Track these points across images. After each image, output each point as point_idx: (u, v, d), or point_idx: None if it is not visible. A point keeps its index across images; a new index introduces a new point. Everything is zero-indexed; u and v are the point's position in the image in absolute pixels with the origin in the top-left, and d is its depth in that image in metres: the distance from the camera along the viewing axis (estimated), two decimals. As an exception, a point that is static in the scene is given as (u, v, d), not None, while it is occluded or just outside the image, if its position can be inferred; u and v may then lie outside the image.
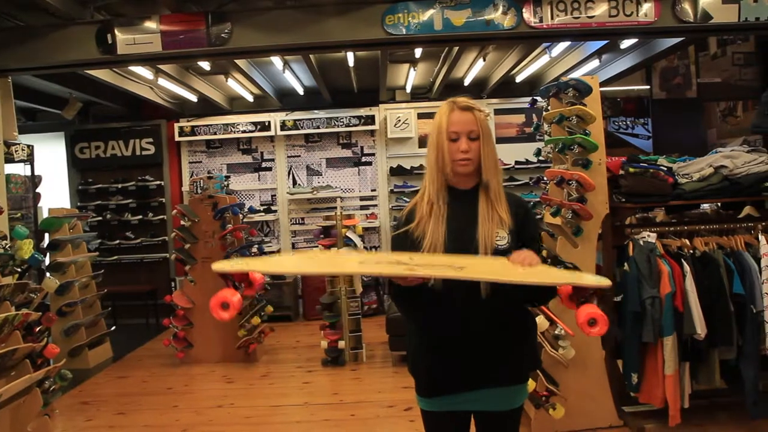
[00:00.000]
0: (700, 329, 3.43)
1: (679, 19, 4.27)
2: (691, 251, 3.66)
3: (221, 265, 1.67)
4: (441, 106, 1.95)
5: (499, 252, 1.83)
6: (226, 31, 4.35)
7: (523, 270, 1.69)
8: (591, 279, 1.68)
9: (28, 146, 5.73)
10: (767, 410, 3.56)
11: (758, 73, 7.08)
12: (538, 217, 3.98)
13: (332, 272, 1.54)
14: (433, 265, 1.73)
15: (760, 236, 3.61)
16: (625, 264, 3.65)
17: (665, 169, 3.85)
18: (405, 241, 1.92)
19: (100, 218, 8.11)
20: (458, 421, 1.99)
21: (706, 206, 4.48)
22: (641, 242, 3.64)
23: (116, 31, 4.41)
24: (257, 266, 1.73)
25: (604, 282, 1.66)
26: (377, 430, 4.10)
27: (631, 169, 3.75)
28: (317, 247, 5.80)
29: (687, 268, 3.54)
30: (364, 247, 7.81)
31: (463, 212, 1.90)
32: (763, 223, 3.73)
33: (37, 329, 3.84)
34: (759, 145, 4.62)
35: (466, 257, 1.79)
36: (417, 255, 1.82)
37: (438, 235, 1.87)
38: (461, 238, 1.86)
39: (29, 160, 5.87)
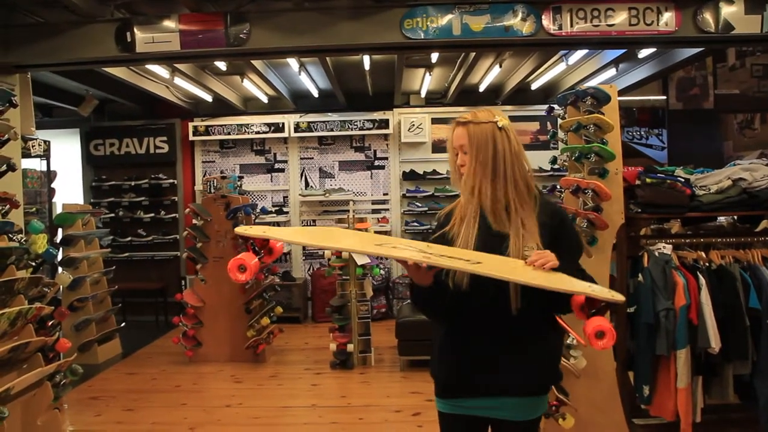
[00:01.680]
0: (715, 343, 3.39)
1: (701, 29, 4.24)
2: (707, 264, 3.63)
3: (243, 229, 1.75)
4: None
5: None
6: (244, 31, 4.37)
7: (540, 273, 1.69)
8: (606, 292, 1.67)
9: (45, 142, 5.77)
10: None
11: (777, 86, 7.03)
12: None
13: (349, 249, 1.58)
14: (450, 257, 1.73)
15: (777, 251, 3.57)
16: (639, 275, 3.62)
17: (683, 180, 3.82)
18: (440, 241, 1.94)
19: (112, 215, 8.15)
20: (474, 427, 1.97)
21: (722, 219, 4.43)
22: (656, 253, 3.61)
23: (135, 30, 4.44)
24: (278, 233, 1.78)
25: (618, 297, 1.65)
26: (385, 435, 4.09)
27: (648, 180, 3.71)
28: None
29: (702, 280, 3.50)
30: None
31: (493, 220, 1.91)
32: (781, 238, 3.70)
33: (50, 323, 3.86)
34: (777, 158, 4.58)
35: (485, 255, 1.79)
36: (435, 245, 1.83)
37: (468, 240, 1.88)
38: (488, 247, 1.85)
39: (45, 155, 5.92)
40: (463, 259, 1.71)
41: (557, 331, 2.00)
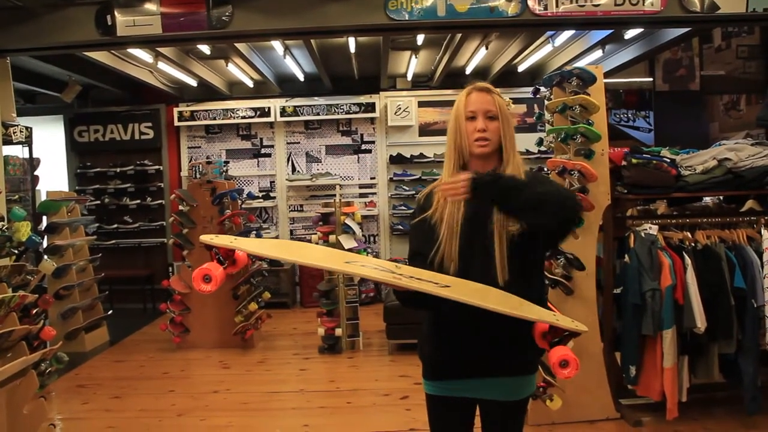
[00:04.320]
0: (700, 323, 3.41)
1: (686, 9, 4.22)
2: (693, 244, 3.64)
3: (208, 238, 1.69)
4: (460, 93, 1.96)
5: (513, 237, 1.79)
6: (227, 13, 4.30)
7: (507, 301, 1.70)
8: (568, 322, 1.68)
9: (27, 128, 5.68)
10: (764, 406, 3.56)
11: (762, 67, 7.04)
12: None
13: (317, 265, 1.54)
14: (419, 278, 1.71)
15: (762, 230, 3.59)
16: (626, 256, 3.63)
17: (668, 160, 3.82)
18: (423, 228, 1.92)
19: (98, 202, 8.07)
20: (462, 408, 1.97)
21: (708, 199, 4.46)
22: (643, 234, 3.62)
23: (116, 13, 4.35)
24: (245, 245, 1.71)
25: (581, 327, 1.67)
26: (373, 418, 4.09)
27: (634, 160, 3.71)
28: (316, 234, 5.76)
29: (688, 260, 3.52)
30: (363, 235, 7.79)
31: None
32: (766, 217, 3.72)
33: (34, 311, 3.82)
34: (763, 138, 4.59)
35: (455, 279, 1.78)
36: (404, 267, 1.81)
37: (454, 221, 1.85)
38: (475, 225, 1.84)
39: (27, 142, 5.83)
40: (432, 282, 1.70)
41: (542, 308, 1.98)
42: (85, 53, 5.43)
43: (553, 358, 1.63)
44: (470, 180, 1.70)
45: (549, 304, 1.96)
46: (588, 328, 3.47)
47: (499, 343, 1.84)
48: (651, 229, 3.63)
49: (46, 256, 5.48)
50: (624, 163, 3.76)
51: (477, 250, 1.82)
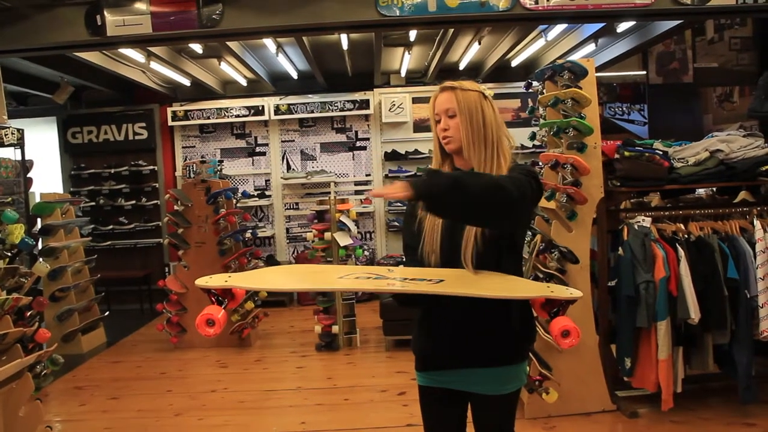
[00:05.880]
0: (694, 314, 3.42)
1: (677, 1, 4.22)
2: (686, 236, 3.65)
3: (203, 281, 1.71)
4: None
5: (490, 235, 1.80)
6: (217, 12, 4.29)
7: (500, 284, 1.73)
8: (563, 291, 1.70)
9: (18, 130, 5.66)
10: (758, 395, 3.58)
11: (755, 58, 7.06)
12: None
13: (313, 288, 1.56)
14: (412, 279, 1.75)
15: (755, 221, 3.59)
16: (620, 248, 3.64)
17: (661, 153, 3.82)
18: (412, 222, 1.95)
19: (93, 203, 8.05)
20: (453, 400, 1.98)
21: (701, 191, 4.46)
22: (636, 227, 3.63)
23: (105, 12, 4.34)
24: (238, 282, 1.73)
25: (576, 294, 1.68)
26: (370, 415, 4.09)
27: (627, 153, 3.72)
28: (311, 231, 5.76)
29: (682, 252, 3.53)
30: (358, 232, 7.79)
31: None
32: (758, 208, 3.72)
33: (28, 314, 3.81)
34: (755, 130, 4.59)
35: (448, 271, 1.80)
36: (397, 269, 1.85)
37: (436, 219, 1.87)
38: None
39: (19, 144, 5.81)
40: (426, 279, 1.73)
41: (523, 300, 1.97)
42: (76, 54, 5.41)
43: (554, 329, 1.64)
44: (408, 182, 1.60)
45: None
46: (583, 320, 3.48)
47: (485, 332, 1.86)
48: (644, 221, 3.64)
49: (40, 259, 5.47)
50: (617, 156, 3.77)
51: (457, 244, 1.83)
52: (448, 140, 1.91)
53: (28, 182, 6.12)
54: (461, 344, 1.88)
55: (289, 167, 8.23)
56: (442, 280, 1.72)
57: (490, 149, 1.88)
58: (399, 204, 7.97)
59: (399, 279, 1.75)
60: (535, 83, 4.02)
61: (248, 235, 6.31)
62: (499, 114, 1.96)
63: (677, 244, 3.57)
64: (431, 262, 1.87)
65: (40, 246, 5.66)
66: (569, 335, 1.63)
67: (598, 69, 6.17)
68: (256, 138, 8.26)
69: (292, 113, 8.02)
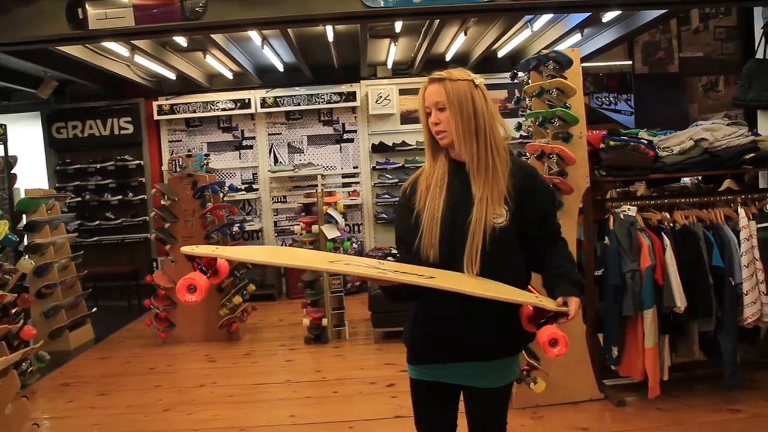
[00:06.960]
0: (680, 302, 3.45)
1: (661, -9, 4.23)
2: (671, 224, 3.67)
3: (189, 249, 1.67)
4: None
5: (497, 231, 1.80)
6: (200, 4, 4.25)
7: (491, 285, 1.74)
8: (551, 303, 1.73)
9: (1, 126, 5.61)
10: (743, 381, 3.61)
11: (740, 48, 7.07)
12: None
13: (302, 266, 1.54)
14: (403, 272, 1.73)
15: (739, 209, 3.62)
16: (606, 238, 3.65)
17: (646, 142, 3.84)
18: (407, 216, 1.92)
19: (79, 199, 7.98)
20: (445, 394, 1.98)
21: (686, 180, 4.49)
22: (622, 216, 3.64)
23: (87, 6, 4.28)
24: (226, 253, 1.70)
25: (564, 309, 1.72)
26: (360, 407, 4.10)
27: (612, 143, 3.72)
28: (299, 224, 5.74)
29: (667, 241, 3.55)
30: (347, 225, 7.78)
31: (460, 185, 1.87)
32: (743, 197, 3.75)
33: (13, 311, 3.79)
34: (740, 119, 4.61)
35: (439, 271, 1.80)
36: (387, 263, 1.83)
37: (435, 208, 1.86)
38: (457, 213, 1.84)
39: (2, 140, 5.76)
40: (417, 274, 1.72)
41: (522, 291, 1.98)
42: (59, 48, 5.34)
43: (542, 338, 1.66)
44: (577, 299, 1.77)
45: (530, 287, 1.95)
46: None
47: (479, 326, 1.85)
48: (630, 210, 3.65)
49: (26, 255, 5.43)
50: (602, 145, 3.77)
51: (457, 239, 1.82)
52: (442, 135, 1.88)
53: (13, 178, 6.08)
54: (456, 338, 1.87)
55: (276, 160, 8.20)
56: (432, 277, 1.71)
57: (483, 141, 1.85)
58: (387, 196, 7.97)
59: (390, 270, 1.73)
60: (520, 74, 4.01)
61: (236, 228, 6.30)
62: (492, 103, 1.91)
63: (663, 233, 3.59)
64: (430, 256, 1.84)
65: (25, 242, 5.61)
66: (557, 344, 1.64)
67: (585, 59, 6.17)
68: (242, 131, 8.22)
69: (279, 106, 7.99)
